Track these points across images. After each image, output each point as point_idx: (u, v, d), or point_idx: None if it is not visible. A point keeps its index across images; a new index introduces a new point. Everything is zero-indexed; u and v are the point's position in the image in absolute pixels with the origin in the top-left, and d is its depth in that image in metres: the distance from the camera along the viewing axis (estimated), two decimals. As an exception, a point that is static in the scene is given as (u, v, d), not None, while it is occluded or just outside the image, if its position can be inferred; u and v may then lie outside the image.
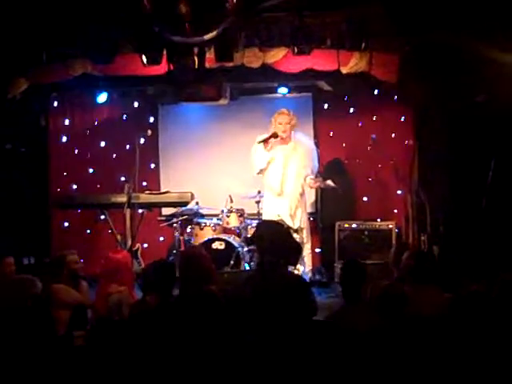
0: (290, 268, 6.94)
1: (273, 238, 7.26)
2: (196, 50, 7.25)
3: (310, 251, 8.25)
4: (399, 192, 9.11)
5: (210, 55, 7.37)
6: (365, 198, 9.34)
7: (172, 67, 7.41)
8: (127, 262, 6.82)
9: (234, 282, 6.44)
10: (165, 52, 7.27)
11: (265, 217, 8.20)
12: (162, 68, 7.55)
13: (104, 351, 3.97)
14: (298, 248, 7.66)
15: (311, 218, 9.31)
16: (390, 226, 8.59)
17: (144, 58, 7.27)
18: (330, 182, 8.22)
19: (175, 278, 5.20)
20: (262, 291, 4.81)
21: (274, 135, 7.95)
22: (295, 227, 8.06)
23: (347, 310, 4.80)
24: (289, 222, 8.01)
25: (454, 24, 6.88)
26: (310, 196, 9.25)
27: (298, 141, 8.16)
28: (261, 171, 8.14)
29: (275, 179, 8.12)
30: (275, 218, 8.01)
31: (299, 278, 5.68)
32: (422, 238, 8.14)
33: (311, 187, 8.27)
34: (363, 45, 7.16)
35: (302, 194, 8.24)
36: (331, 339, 3.84)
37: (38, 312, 4.69)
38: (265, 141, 7.95)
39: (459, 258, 7.62)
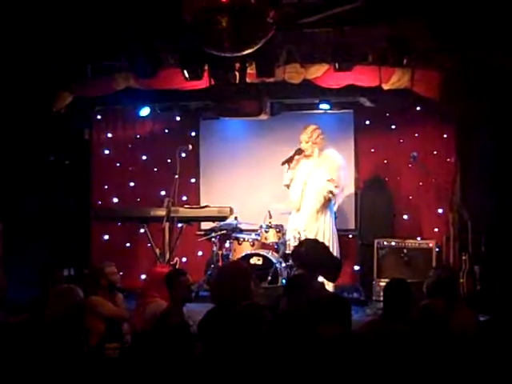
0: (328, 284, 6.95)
1: (311, 254, 7.25)
2: (237, 65, 7.31)
3: None
4: (440, 210, 8.99)
5: (251, 70, 7.46)
6: (405, 216, 9.20)
7: (213, 82, 7.47)
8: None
9: (271, 298, 6.40)
10: (206, 67, 7.32)
11: (288, 231, 8.28)
12: (203, 83, 7.64)
13: (138, 365, 3.97)
14: (337, 264, 7.64)
15: (350, 235, 9.30)
16: (431, 245, 8.43)
17: (186, 73, 7.36)
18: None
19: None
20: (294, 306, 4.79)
21: (298, 152, 8.15)
22: None
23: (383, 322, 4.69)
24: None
25: (496, 41, 6.79)
26: (350, 213, 9.28)
27: (326, 157, 8.21)
28: (286, 186, 8.34)
29: (295, 195, 8.25)
30: (295, 234, 8.02)
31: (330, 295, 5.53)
32: (464, 257, 7.97)
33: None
34: (405, 61, 7.09)
35: (322, 210, 8.16)
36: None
37: (74, 321, 4.71)
38: (288, 161, 8.12)
39: (501, 279, 7.50)
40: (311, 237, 7.92)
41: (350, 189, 9.16)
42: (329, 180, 8.07)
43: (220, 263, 8.61)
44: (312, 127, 8.21)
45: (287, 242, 8.20)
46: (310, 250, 7.55)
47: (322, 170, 8.18)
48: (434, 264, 8.21)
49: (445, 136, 9.06)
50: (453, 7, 6.61)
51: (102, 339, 5.42)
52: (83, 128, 9.62)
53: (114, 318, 5.80)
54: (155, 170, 9.75)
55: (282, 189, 8.45)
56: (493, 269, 7.83)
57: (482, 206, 8.28)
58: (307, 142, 8.16)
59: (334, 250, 8.04)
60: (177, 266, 9.11)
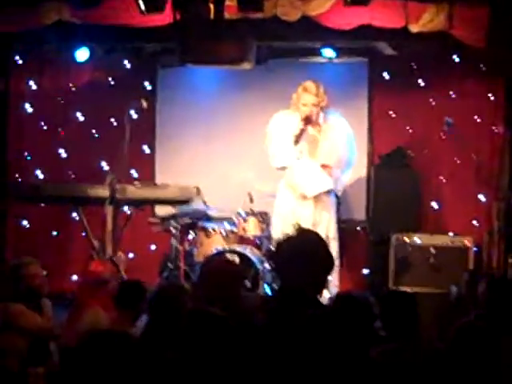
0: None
1: (297, 254, 7.16)
2: (213, -6, 7.35)
3: (338, 268, 8.08)
4: (482, 197, 9.10)
5: (231, 2, 7.48)
6: (434, 204, 9.31)
7: (179, 17, 7.46)
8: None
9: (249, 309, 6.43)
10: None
11: (277, 224, 8.25)
12: (165, 17, 7.65)
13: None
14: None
15: (359, 228, 9.42)
16: (467, 243, 8.55)
17: (141, 3, 7.36)
18: None
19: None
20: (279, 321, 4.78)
21: (308, 120, 8.00)
22: None
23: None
24: None
25: None
26: (359, 198, 9.38)
27: (330, 124, 8.20)
28: (282, 168, 8.26)
29: (302, 177, 8.16)
30: (292, 228, 7.96)
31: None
32: (511, 260, 8.07)
33: None
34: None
35: (329, 193, 8.24)
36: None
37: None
38: (299, 137, 8.02)
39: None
40: (323, 230, 7.91)
41: (361, 166, 9.23)
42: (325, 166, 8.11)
43: (182, 262, 8.60)
44: (319, 84, 8.09)
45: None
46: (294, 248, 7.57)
47: (328, 141, 8.15)
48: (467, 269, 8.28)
49: (491, 97, 9.14)
50: None
51: (23, 362, 5.41)
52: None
53: (40, 333, 5.79)
54: (95, 134, 9.70)
55: (269, 163, 8.41)
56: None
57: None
58: (316, 106, 8.06)
59: (334, 247, 8.03)
60: (120, 264, 9.06)
